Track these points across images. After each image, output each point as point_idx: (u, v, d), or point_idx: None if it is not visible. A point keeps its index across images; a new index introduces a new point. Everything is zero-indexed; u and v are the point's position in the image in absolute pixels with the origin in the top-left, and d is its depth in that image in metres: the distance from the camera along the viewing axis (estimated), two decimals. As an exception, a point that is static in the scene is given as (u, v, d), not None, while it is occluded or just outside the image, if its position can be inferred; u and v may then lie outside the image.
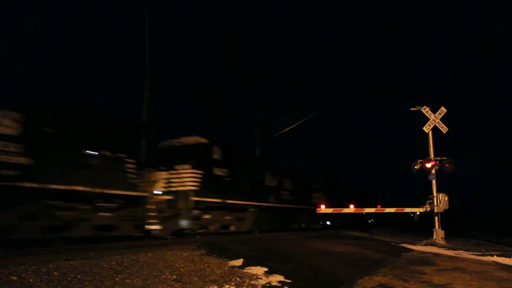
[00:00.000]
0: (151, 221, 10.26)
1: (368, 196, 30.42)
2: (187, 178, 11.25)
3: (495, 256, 7.17)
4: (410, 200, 39.21)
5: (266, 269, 4.85)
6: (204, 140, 12.44)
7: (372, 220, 30.41)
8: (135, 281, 3.98)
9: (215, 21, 53.30)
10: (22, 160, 7.01)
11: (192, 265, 5.07)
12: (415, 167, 11.87)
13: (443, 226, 11.40)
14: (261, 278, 4.37)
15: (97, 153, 8.53)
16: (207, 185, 11.67)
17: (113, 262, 4.94)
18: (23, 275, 3.90)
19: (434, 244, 10.17)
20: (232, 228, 13.15)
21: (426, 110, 12.11)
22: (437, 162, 11.55)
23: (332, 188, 23.46)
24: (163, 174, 11.29)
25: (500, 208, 31.25)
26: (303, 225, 19.00)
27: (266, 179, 15.87)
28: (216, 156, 12.62)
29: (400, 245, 9.64)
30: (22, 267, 4.24)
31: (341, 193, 24.39)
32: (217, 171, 12.55)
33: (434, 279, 4.53)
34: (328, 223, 22.04)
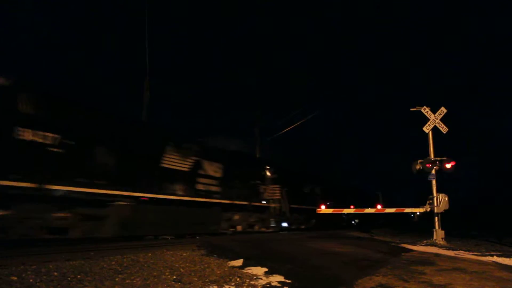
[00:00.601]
0: None
1: (355, 193, 26.81)
2: None
3: (495, 257, 7.17)
4: (408, 198, 38.48)
5: (266, 269, 4.85)
6: None
7: (356, 220, 26.02)
8: (135, 281, 3.98)
9: (215, 20, 53.33)
10: None
11: (192, 265, 5.07)
12: (415, 167, 11.88)
13: (443, 227, 11.40)
14: (261, 278, 4.37)
15: None
16: None
17: (113, 262, 4.94)
18: (23, 275, 3.90)
19: (434, 245, 10.17)
20: (76, 233, 8.13)
21: (426, 111, 12.12)
22: (437, 162, 11.55)
23: (300, 181, 19.03)
24: None
25: (500, 209, 31.26)
26: (239, 227, 13.52)
27: (165, 158, 10.43)
28: (26, 109, 7.43)
29: (400, 245, 9.64)
30: (22, 267, 4.24)
31: (314, 188, 20.28)
32: (27, 135, 7.37)
33: (434, 279, 4.53)
34: (285, 224, 16.56)
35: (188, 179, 11.30)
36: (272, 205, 15.35)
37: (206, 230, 11.81)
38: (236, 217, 13.41)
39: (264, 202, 15.12)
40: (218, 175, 12.58)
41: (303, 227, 18.21)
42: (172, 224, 10.59)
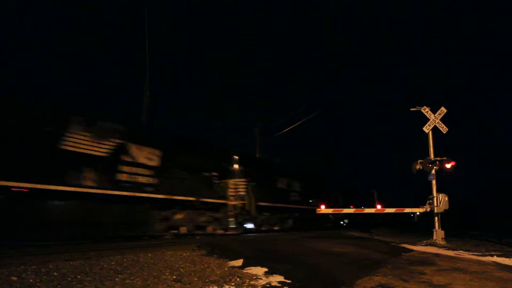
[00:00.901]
0: None
1: (346, 190, 24.33)
2: None
3: (495, 257, 7.17)
4: (407, 197, 38.01)
5: (266, 269, 4.86)
6: None
7: (346, 221, 23.59)
8: (135, 281, 3.98)
9: (215, 20, 53.34)
10: None
11: (192, 266, 5.07)
12: (415, 167, 11.89)
13: (443, 227, 11.41)
14: (261, 279, 4.38)
15: None
16: None
17: (113, 262, 4.94)
18: (23, 275, 3.90)
19: (434, 245, 10.17)
20: None
21: (426, 110, 12.12)
22: (437, 162, 11.56)
23: (274, 175, 16.47)
24: None
25: (500, 208, 31.29)
26: (183, 229, 10.98)
27: (67, 138, 8.03)
28: None
29: (400, 245, 9.65)
30: (22, 267, 4.24)
31: (293, 184, 17.69)
32: None
33: (434, 279, 4.54)
34: (250, 226, 13.95)
35: (106, 167, 8.84)
36: (233, 202, 12.72)
37: (128, 232, 9.45)
38: (179, 216, 10.86)
39: (226, 199, 12.64)
40: (153, 163, 10.10)
41: (276, 228, 15.85)
42: (73, 226, 8.13)
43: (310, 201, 18.44)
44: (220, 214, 12.39)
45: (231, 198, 12.75)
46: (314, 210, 17.36)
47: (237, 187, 12.98)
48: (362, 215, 20.66)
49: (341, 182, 25.86)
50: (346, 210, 15.16)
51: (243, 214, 13.17)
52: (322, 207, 14.68)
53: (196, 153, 12.04)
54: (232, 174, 13.08)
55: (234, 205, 12.75)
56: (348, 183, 27.76)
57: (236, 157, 13.49)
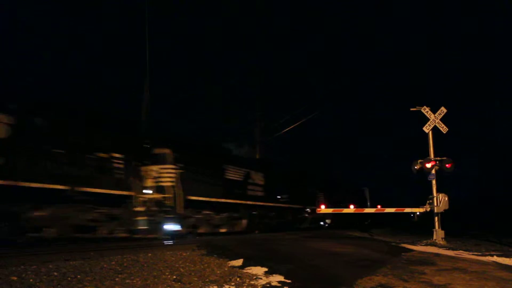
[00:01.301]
0: None
1: (329, 185, 21.22)
2: None
3: (495, 256, 7.17)
4: (404, 196, 37.50)
5: (266, 269, 4.86)
6: None
7: (327, 221, 20.57)
8: (135, 281, 3.98)
9: (215, 20, 53.37)
10: None
11: (192, 265, 5.07)
12: (415, 167, 11.88)
13: (443, 226, 11.41)
14: (261, 278, 4.38)
15: None
16: None
17: (113, 262, 4.94)
18: (23, 275, 3.90)
19: (434, 244, 10.17)
20: None
21: (426, 110, 12.12)
22: (437, 162, 11.56)
23: (223, 164, 12.87)
24: None
25: (500, 208, 31.28)
26: (52, 232, 7.73)
27: None
28: None
29: (400, 245, 9.65)
30: (22, 267, 4.24)
31: (251, 175, 14.14)
32: None
33: (434, 279, 4.54)
34: (174, 227, 10.03)
35: None
36: (146, 196, 9.37)
37: None
38: (40, 213, 7.51)
39: (135, 190, 9.19)
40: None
41: (223, 230, 12.36)
42: None
43: (278, 197, 15.68)
44: (121, 210, 8.99)
45: (151, 189, 9.51)
46: (283, 208, 15.95)
47: (160, 175, 9.67)
48: (348, 215, 17.74)
49: (323, 177, 22.59)
50: (346, 210, 14.91)
51: (163, 212, 9.70)
52: (322, 207, 14.51)
53: (88, 126, 8.76)
54: (155, 159, 9.78)
55: (147, 200, 9.36)
56: (333, 178, 24.32)
57: (161, 137, 10.33)
